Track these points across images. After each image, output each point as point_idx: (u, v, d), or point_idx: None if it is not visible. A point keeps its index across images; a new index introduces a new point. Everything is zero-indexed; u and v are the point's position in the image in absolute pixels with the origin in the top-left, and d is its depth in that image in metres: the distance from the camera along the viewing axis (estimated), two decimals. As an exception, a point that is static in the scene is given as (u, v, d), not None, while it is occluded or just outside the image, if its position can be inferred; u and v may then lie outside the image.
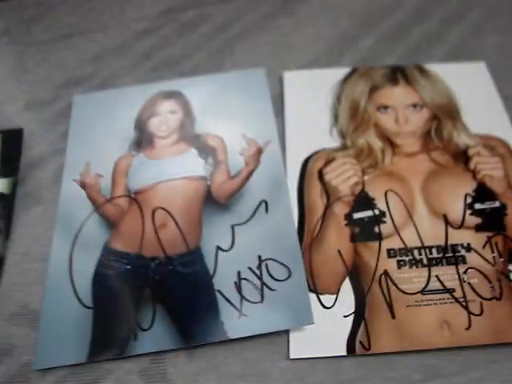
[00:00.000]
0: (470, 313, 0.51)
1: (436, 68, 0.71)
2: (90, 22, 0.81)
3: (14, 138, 0.68)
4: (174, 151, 0.65)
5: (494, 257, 0.54)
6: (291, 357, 0.50)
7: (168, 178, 0.62)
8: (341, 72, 0.72)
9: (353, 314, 0.52)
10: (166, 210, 0.60)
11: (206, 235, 0.58)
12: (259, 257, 0.56)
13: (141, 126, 0.68)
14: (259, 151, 0.64)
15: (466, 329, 0.50)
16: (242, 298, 0.53)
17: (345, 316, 0.52)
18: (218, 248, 0.57)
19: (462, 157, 0.62)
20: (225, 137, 0.66)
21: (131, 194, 0.62)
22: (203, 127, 0.67)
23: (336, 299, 0.53)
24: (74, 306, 0.54)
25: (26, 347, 0.52)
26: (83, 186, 0.63)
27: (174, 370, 0.50)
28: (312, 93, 0.70)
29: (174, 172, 0.63)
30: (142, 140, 0.66)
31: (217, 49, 0.77)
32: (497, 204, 0.58)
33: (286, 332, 0.51)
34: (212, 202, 0.61)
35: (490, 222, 0.57)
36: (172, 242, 0.58)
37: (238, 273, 0.55)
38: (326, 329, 0.51)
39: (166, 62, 0.76)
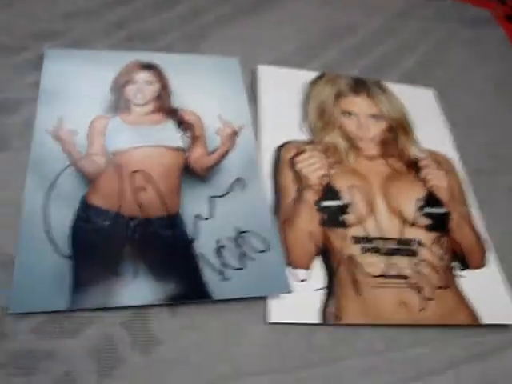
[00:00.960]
0: (422, 297, 0.60)
1: (392, 87, 0.81)
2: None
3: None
4: (151, 120, 0.68)
5: (441, 253, 0.65)
6: (270, 321, 0.55)
7: (146, 143, 0.65)
8: (310, 74, 0.80)
9: (324, 289, 0.59)
10: (145, 174, 0.63)
11: (185, 203, 0.62)
12: (237, 228, 0.61)
13: (117, 90, 0.70)
14: (234, 133, 0.70)
15: (420, 310, 0.59)
16: (223, 263, 0.58)
17: (316, 289, 0.59)
18: (198, 216, 0.61)
19: (413, 166, 0.73)
20: (201, 115, 0.70)
21: (108, 154, 0.64)
22: (179, 102, 0.71)
23: (308, 274, 0.60)
24: (51, 254, 0.56)
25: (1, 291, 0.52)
26: (57, 138, 0.64)
27: (157, 324, 0.54)
28: (284, 88, 0.77)
29: (153, 139, 0.66)
30: (118, 104, 0.69)
31: (191, 32, 0.82)
32: (443, 210, 0.69)
33: (264, 299, 0.57)
34: (190, 173, 0.65)
35: (438, 224, 0.67)
36: (151, 205, 0.61)
37: (218, 241, 0.60)
38: (300, 299, 0.58)
39: (140, 35, 0.79)
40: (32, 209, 0.58)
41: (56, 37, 0.75)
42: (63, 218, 0.58)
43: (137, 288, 0.55)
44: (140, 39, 0.78)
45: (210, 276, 0.57)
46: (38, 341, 0.51)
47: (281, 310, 0.57)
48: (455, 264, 0.65)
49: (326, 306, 0.58)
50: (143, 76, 0.72)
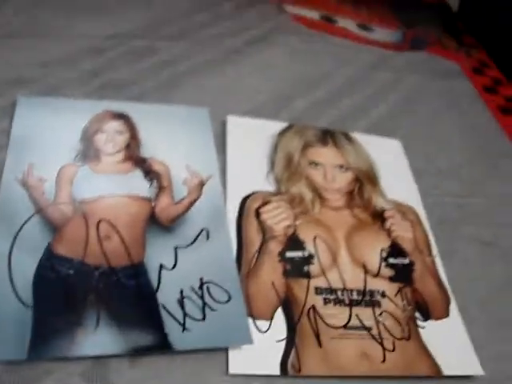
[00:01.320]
0: (384, 348, 0.62)
1: (359, 137, 0.85)
2: (37, 27, 0.85)
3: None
4: (119, 169, 0.71)
5: (404, 304, 0.67)
6: (230, 372, 0.57)
7: (113, 193, 0.68)
8: (279, 125, 0.83)
9: (285, 340, 0.61)
10: (110, 223, 0.65)
11: (150, 253, 0.64)
12: (201, 279, 0.63)
13: (87, 139, 0.73)
14: (201, 183, 0.72)
15: (382, 361, 0.61)
16: (185, 314, 0.60)
17: (278, 341, 0.61)
18: (162, 266, 0.63)
19: (379, 217, 0.75)
20: (169, 165, 0.73)
21: (76, 202, 0.66)
22: (148, 152, 0.74)
23: (270, 325, 0.62)
24: (12, 303, 0.56)
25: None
26: (25, 185, 0.66)
27: (117, 375, 0.55)
28: (252, 139, 0.80)
29: (120, 188, 0.69)
30: (88, 153, 0.72)
31: (163, 81, 0.85)
32: (407, 261, 0.71)
33: (225, 350, 0.58)
34: (156, 223, 0.67)
35: (401, 275, 0.70)
36: (116, 254, 0.63)
37: (181, 291, 0.62)
38: (261, 350, 0.59)
39: (113, 84, 0.82)
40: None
41: (31, 84, 0.78)
42: (27, 267, 0.59)
43: (98, 338, 0.56)
44: (113, 88, 0.81)
45: (171, 326, 0.58)
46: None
47: (242, 361, 0.58)
48: (418, 315, 0.67)
49: (286, 357, 0.59)
50: (113, 125, 0.75)
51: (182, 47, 0.92)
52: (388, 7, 1.20)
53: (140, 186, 0.69)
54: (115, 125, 0.75)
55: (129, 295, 0.60)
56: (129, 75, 0.84)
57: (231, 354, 0.58)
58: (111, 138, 0.73)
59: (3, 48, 0.83)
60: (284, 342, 0.60)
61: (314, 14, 1.10)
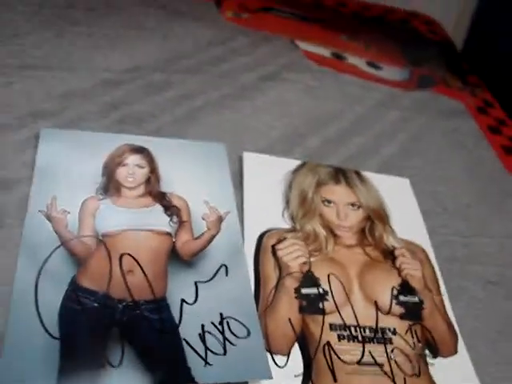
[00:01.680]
0: (396, 385, 0.66)
1: (370, 176, 0.89)
2: (57, 60, 0.89)
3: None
4: (140, 203, 0.74)
5: (414, 341, 0.71)
6: (250, 406, 0.60)
7: (135, 227, 0.71)
8: (293, 163, 0.87)
9: (302, 375, 0.64)
10: (133, 257, 0.68)
11: (172, 287, 0.67)
12: (221, 314, 0.66)
13: (108, 173, 0.76)
14: (220, 219, 0.76)
15: (394, 398, 0.65)
16: (207, 348, 0.63)
17: (295, 375, 0.64)
18: (183, 301, 0.66)
19: (389, 255, 0.79)
20: (188, 200, 0.77)
21: (99, 235, 0.70)
22: (167, 187, 0.78)
23: (287, 360, 0.65)
24: (40, 334, 0.59)
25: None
26: (49, 218, 0.69)
27: (142, 407, 0.58)
28: (267, 176, 0.84)
29: (142, 223, 0.72)
30: (109, 187, 0.75)
31: (179, 115, 0.89)
32: (416, 299, 0.75)
33: (244, 384, 0.62)
34: (176, 257, 0.71)
35: (411, 312, 0.74)
36: (139, 288, 0.66)
37: (202, 326, 0.65)
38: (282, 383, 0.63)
39: (132, 117, 0.86)
40: (23, 287, 0.62)
41: (51, 116, 0.82)
42: (53, 298, 0.62)
43: (123, 373, 0.59)
44: (132, 121, 0.85)
45: (193, 361, 0.61)
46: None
47: (261, 395, 0.61)
48: (427, 352, 0.71)
49: (304, 392, 0.63)
50: (134, 159, 0.78)
51: (199, 81, 0.96)
52: (394, 44, 1.26)
53: (160, 220, 0.73)
54: (135, 158, 0.79)
55: (152, 329, 0.63)
56: (146, 108, 0.88)
57: (251, 388, 0.61)
58: (132, 171, 0.77)
59: (24, 80, 0.86)
60: (301, 377, 0.64)
61: (324, 51, 1.15)
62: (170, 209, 0.74)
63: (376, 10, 1.19)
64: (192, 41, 1.04)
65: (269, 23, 1.16)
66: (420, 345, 0.70)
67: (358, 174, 0.89)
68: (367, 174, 0.89)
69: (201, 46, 1.04)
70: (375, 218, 0.83)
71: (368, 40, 1.22)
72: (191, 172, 0.81)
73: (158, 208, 0.74)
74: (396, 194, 0.89)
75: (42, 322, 0.60)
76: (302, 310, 0.70)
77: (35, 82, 0.86)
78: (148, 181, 0.77)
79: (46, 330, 0.60)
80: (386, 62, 1.19)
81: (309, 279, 0.73)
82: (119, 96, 0.89)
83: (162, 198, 0.75)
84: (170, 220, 0.73)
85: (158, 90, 0.92)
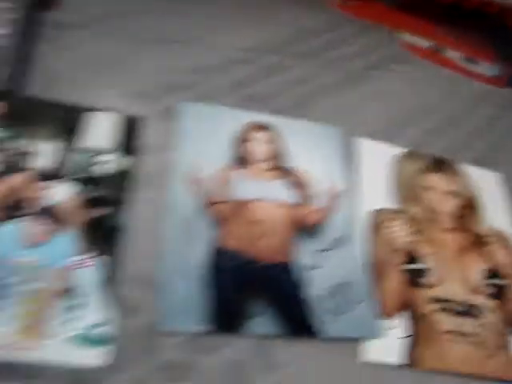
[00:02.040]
0: (485, 354, 0.78)
1: (465, 167, 1.00)
2: (183, 34, 1.01)
3: (133, 124, 0.85)
4: (268, 176, 0.86)
5: (499, 318, 0.83)
6: (361, 360, 0.74)
7: (266, 197, 0.83)
8: (398, 149, 0.98)
9: (407, 337, 0.77)
10: (265, 224, 0.81)
11: (297, 254, 0.80)
12: (339, 280, 0.79)
13: (239, 146, 0.88)
14: (338, 195, 0.88)
15: (484, 365, 0.77)
16: (327, 309, 0.76)
17: (401, 337, 0.77)
18: (307, 266, 0.79)
19: (482, 241, 0.91)
20: (311, 176, 0.88)
21: (233, 202, 0.81)
22: (291, 162, 0.89)
23: (395, 324, 0.78)
24: (193, 284, 0.73)
25: (150, 310, 0.70)
26: (193, 183, 0.81)
27: (276, 351, 0.72)
28: (376, 160, 0.96)
29: (272, 194, 0.84)
30: (240, 159, 0.86)
31: (297, 98, 1.00)
32: (503, 282, 0.87)
33: (356, 342, 0.76)
34: (300, 227, 0.83)
35: (498, 293, 0.85)
36: (272, 251, 0.78)
37: (323, 289, 0.78)
38: (387, 344, 0.76)
39: (256, 96, 0.97)
40: (172, 244, 0.76)
41: (184, 90, 0.93)
42: (198, 254, 0.76)
43: (263, 320, 0.73)
44: (256, 100, 0.96)
45: (315, 319, 0.74)
46: (180, 355, 0.68)
47: (371, 351, 0.74)
48: (510, 329, 0.83)
49: (408, 351, 0.76)
50: (263, 135, 0.90)
51: (311, 65, 1.06)
52: (487, 39, 1.34)
53: (286, 193, 0.85)
54: (264, 134, 0.90)
55: (287, 288, 0.76)
56: (267, 89, 0.99)
57: (363, 345, 0.74)
58: (260, 146, 0.88)
59: (153, 53, 0.97)
60: (406, 339, 0.76)
61: (423, 43, 1.24)
62: (295, 183, 0.86)
63: (474, 2, 1.26)
64: (300, 27, 1.15)
65: (371, 12, 1.26)
66: (504, 323, 0.82)
67: (454, 165, 0.99)
68: (462, 166, 1.00)
69: (313, 32, 1.15)
70: (470, 207, 0.94)
71: (463, 33, 1.30)
72: (312, 151, 0.92)
73: (285, 181, 0.85)
74: (488, 186, 0.99)
75: (190, 273, 0.74)
76: (407, 282, 0.82)
77: (162, 56, 0.96)
78: (274, 156, 0.88)
79: (197, 281, 0.74)
80: (480, 57, 1.27)
81: (412, 256, 0.84)
82: (246, 73, 0.99)
83: (287, 173, 0.87)
84: (295, 193, 0.85)
85: (275, 71, 1.03)
